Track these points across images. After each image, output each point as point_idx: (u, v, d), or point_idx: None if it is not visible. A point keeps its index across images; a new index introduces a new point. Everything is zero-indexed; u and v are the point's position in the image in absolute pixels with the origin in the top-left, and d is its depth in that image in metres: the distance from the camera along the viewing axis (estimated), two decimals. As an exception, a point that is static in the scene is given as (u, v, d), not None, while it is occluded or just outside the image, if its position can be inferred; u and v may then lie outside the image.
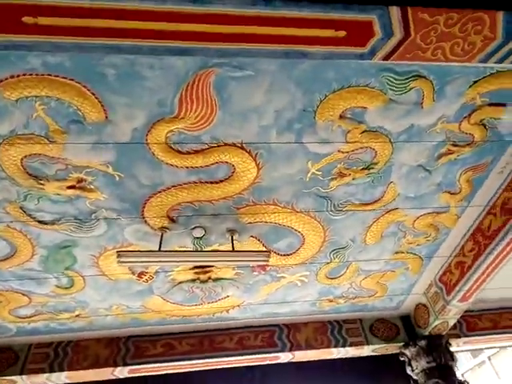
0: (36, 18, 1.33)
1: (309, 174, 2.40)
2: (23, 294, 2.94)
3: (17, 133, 1.95)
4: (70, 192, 2.27)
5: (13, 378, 3.26)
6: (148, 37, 1.46)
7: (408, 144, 2.30)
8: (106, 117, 1.94)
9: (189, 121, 2.02)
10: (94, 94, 1.85)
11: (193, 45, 1.51)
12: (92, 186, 2.27)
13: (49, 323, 3.29)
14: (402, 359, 3.73)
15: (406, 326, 3.79)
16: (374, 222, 2.82)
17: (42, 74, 1.74)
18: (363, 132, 2.19)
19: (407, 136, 2.25)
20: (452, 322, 3.50)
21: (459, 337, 3.78)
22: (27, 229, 2.47)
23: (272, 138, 2.16)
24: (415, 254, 3.17)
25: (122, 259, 2.36)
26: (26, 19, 1.32)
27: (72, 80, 1.78)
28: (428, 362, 3.44)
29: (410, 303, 3.74)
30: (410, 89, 2.01)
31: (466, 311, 3.82)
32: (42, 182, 2.19)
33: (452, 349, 3.62)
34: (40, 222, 2.43)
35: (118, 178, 2.25)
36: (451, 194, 2.66)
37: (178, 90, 1.89)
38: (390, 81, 1.96)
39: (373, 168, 2.41)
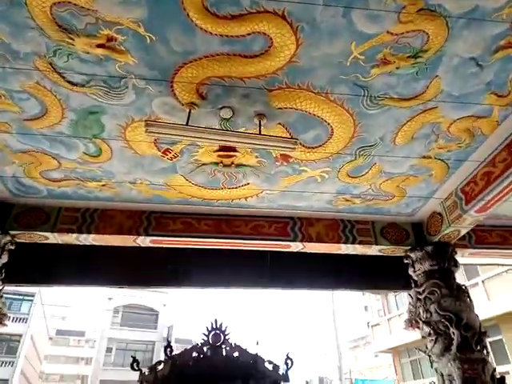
0: None
1: (350, 58, 2.23)
2: (53, 158, 3.05)
3: (45, -28, 1.81)
4: (100, 51, 2.18)
5: (45, 233, 3.56)
6: None
7: (466, 31, 2.08)
8: (140, -38, 1.76)
9: (230, -24, 1.83)
10: None
11: None
12: (122, 48, 2.17)
13: (77, 189, 3.47)
14: (406, 261, 3.92)
15: (417, 233, 3.91)
16: (408, 121, 2.71)
17: None
18: (420, 10, 1.97)
19: (467, 21, 2.02)
20: (463, 232, 3.58)
21: (466, 247, 3.90)
22: (57, 89, 2.44)
23: (318, 8, 1.97)
24: (443, 161, 3.11)
25: (150, 129, 2.36)
26: None
27: None
28: (431, 265, 3.61)
29: (426, 211, 3.80)
30: (486, -42, 1.74)
31: (477, 225, 3.89)
32: (71, 35, 2.09)
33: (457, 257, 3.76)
34: (69, 82, 2.39)
35: (149, 41, 2.13)
36: (498, 96, 2.49)
37: None
38: None
39: (421, 57, 2.22)
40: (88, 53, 2.20)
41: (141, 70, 2.31)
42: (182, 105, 2.55)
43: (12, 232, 3.53)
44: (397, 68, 2.30)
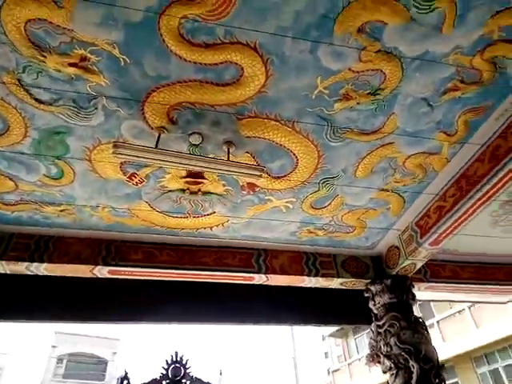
0: None
1: (316, 91, 2.39)
2: (10, 179, 2.91)
3: (23, -11, 1.84)
4: (72, 70, 2.19)
5: (-8, 262, 3.31)
6: None
7: (418, 73, 2.31)
8: (121, -12, 1.85)
9: (206, 7, 1.95)
10: (111, -43, 1.75)
11: None
12: (95, 68, 2.20)
13: (33, 215, 3.30)
14: (366, 295, 3.98)
15: (376, 266, 4.02)
16: (367, 155, 2.88)
17: None
18: (378, 51, 2.18)
19: (419, 63, 2.26)
20: (419, 265, 3.73)
21: (422, 281, 4.06)
22: (22, 106, 2.39)
23: (287, 43, 2.12)
24: (399, 195, 3.30)
25: (118, 150, 2.34)
26: None
27: None
28: (390, 298, 3.70)
29: (384, 244, 3.94)
30: (434, 9, 1.99)
31: (431, 260, 4.08)
32: (44, 53, 2.10)
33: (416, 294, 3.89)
34: (36, 100, 2.36)
35: (123, 63, 2.18)
36: (447, 134, 2.73)
37: (200, -31, 1.80)
38: (416, -4, 1.93)
39: (379, 94, 2.43)
40: (59, 71, 2.20)
41: (112, 91, 2.33)
42: (152, 128, 2.57)
43: (-46, 259, 3.25)
44: (358, 103, 2.48)
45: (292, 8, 1.97)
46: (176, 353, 2.78)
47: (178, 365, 2.73)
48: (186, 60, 2.18)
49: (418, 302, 4.60)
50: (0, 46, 2.07)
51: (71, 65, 2.17)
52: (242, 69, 2.25)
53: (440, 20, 2.05)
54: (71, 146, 2.69)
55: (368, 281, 3.93)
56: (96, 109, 2.44)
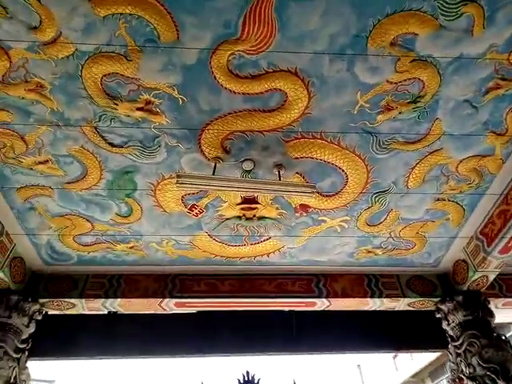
0: None
1: (357, 106, 2.53)
2: (87, 220, 3.27)
3: (100, 50, 2.22)
4: (139, 114, 2.53)
5: (73, 300, 3.61)
6: None
7: (456, 76, 2.38)
8: (178, 37, 2.17)
9: (249, 43, 2.21)
10: (169, 13, 2.08)
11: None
12: (158, 109, 2.52)
13: (106, 254, 3.62)
14: (438, 315, 3.77)
15: (443, 283, 3.83)
16: (417, 164, 2.91)
17: (128, -9, 2.00)
18: (412, 61, 2.30)
19: (455, 67, 2.34)
20: (492, 277, 3.51)
21: (498, 297, 3.78)
22: (98, 151, 2.76)
23: (325, 65, 2.32)
24: (457, 203, 3.22)
25: (180, 180, 2.59)
26: None
27: (152, -2, 2.02)
28: (465, 316, 3.48)
29: (449, 260, 3.78)
30: (461, 14, 2.10)
31: (506, 274, 3.83)
32: (116, 101, 2.46)
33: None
34: (110, 144, 2.71)
35: (181, 102, 2.48)
36: (497, 134, 2.71)
37: (242, 11, 2.08)
38: (441, 5, 2.07)
39: (419, 101, 2.51)
40: (129, 116, 2.54)
41: (173, 129, 2.64)
42: (208, 160, 2.82)
43: (41, 300, 3.60)
44: (400, 113, 2.57)
45: (326, 33, 2.18)
46: (247, 372, 2.78)
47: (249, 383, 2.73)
48: (235, 92, 2.44)
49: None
50: (81, 100, 2.46)
51: (138, 109, 2.51)
52: (286, 94, 2.46)
53: (469, 23, 2.15)
54: (139, 184, 3.00)
55: (437, 299, 3.74)
56: (159, 146, 2.74)
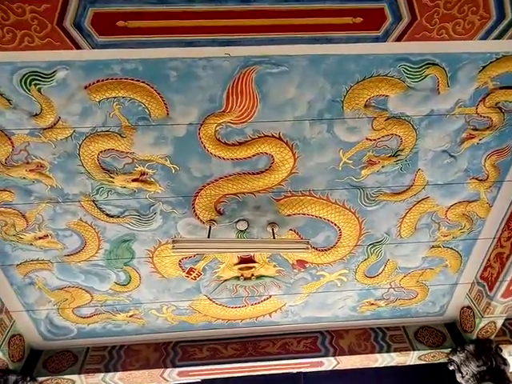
0: (126, 22, 1.80)
1: (341, 163, 2.66)
2: (86, 291, 3.27)
3: (97, 130, 2.39)
4: (134, 185, 2.65)
5: (71, 377, 3.49)
6: (202, 32, 1.90)
7: (430, 130, 2.53)
8: (168, 113, 2.35)
9: (234, 114, 2.39)
10: (159, 94, 2.28)
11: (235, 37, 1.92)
12: (152, 179, 2.65)
13: (105, 324, 3.56)
14: (451, 368, 3.62)
15: (452, 333, 3.72)
16: (406, 213, 2.97)
17: (121, 78, 2.19)
18: (387, 119, 2.47)
19: (428, 122, 2.50)
20: (500, 322, 3.42)
21: (511, 343, 3.64)
22: (96, 222, 2.85)
23: (306, 129, 2.48)
24: (452, 249, 3.24)
25: (176, 245, 2.65)
26: (119, 23, 1.80)
27: (143, 82, 2.22)
28: (478, 366, 3.34)
29: (454, 308, 3.70)
30: (425, 76, 2.30)
31: (516, 319, 3.74)
32: (112, 175, 2.60)
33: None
34: (107, 215, 2.81)
35: (173, 171, 2.61)
36: (479, 180, 2.81)
37: (225, 87, 2.27)
38: (406, 69, 2.26)
39: (400, 155, 2.64)
40: (125, 187, 2.66)
41: (167, 196, 2.75)
42: (203, 223, 2.90)
43: (40, 378, 3.49)
44: (383, 167, 2.70)
45: (304, 100, 2.36)
46: None
47: None
48: (224, 158, 2.59)
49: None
50: (79, 176, 2.59)
51: (134, 180, 2.63)
52: (272, 157, 2.60)
53: (435, 83, 2.34)
54: (136, 252, 3.05)
55: (448, 350, 3.62)
56: (155, 213, 2.83)
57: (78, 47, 1.98)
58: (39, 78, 2.16)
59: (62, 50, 1.99)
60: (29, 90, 2.18)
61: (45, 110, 2.27)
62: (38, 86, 2.17)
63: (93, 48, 1.99)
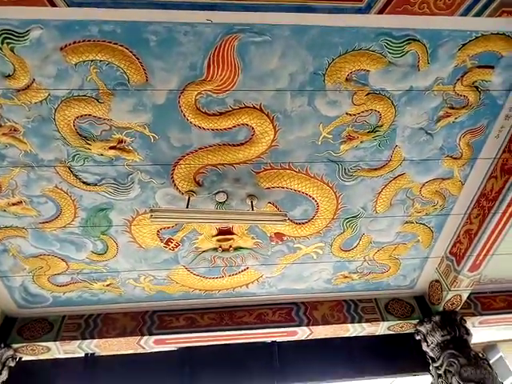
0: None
1: (320, 138, 2.68)
2: (62, 260, 3.24)
3: (73, 94, 2.32)
4: (112, 152, 2.61)
5: (47, 344, 3.51)
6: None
7: (409, 107, 2.57)
8: (147, 79, 2.30)
9: (215, 83, 2.36)
10: (138, 59, 2.21)
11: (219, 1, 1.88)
12: (130, 147, 2.61)
13: (82, 293, 3.56)
14: (417, 338, 3.82)
15: (421, 305, 3.90)
16: (382, 189, 3.05)
17: (98, 40, 2.12)
18: (368, 94, 2.49)
19: (407, 98, 2.53)
20: (465, 295, 3.60)
21: (474, 315, 3.86)
22: (72, 190, 2.80)
23: (287, 101, 2.47)
24: (425, 225, 3.36)
25: (154, 214, 2.64)
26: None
27: (122, 46, 2.15)
28: (443, 336, 3.53)
29: (424, 281, 3.87)
30: (406, 52, 2.31)
31: (480, 292, 3.95)
32: (89, 141, 2.54)
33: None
34: (84, 182, 2.76)
35: (152, 140, 2.58)
36: (453, 158, 2.89)
37: (206, 55, 2.23)
38: (388, 44, 2.27)
39: (378, 131, 2.68)
40: (102, 155, 2.62)
41: (145, 165, 2.72)
42: (182, 193, 2.89)
43: (14, 345, 3.48)
44: (361, 142, 2.73)
45: (286, 72, 2.35)
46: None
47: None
48: (204, 128, 2.56)
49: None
50: (54, 142, 2.53)
51: (111, 148, 2.59)
52: (253, 128, 2.60)
53: (415, 60, 2.36)
54: (114, 221, 3.03)
55: (416, 321, 3.80)
56: (133, 183, 2.80)
57: (53, 4, 1.90)
58: (12, 37, 2.06)
59: (35, 7, 1.91)
60: (1, 49, 2.08)
61: (18, 71, 2.18)
62: (10, 45, 2.08)
63: (68, 6, 1.92)
